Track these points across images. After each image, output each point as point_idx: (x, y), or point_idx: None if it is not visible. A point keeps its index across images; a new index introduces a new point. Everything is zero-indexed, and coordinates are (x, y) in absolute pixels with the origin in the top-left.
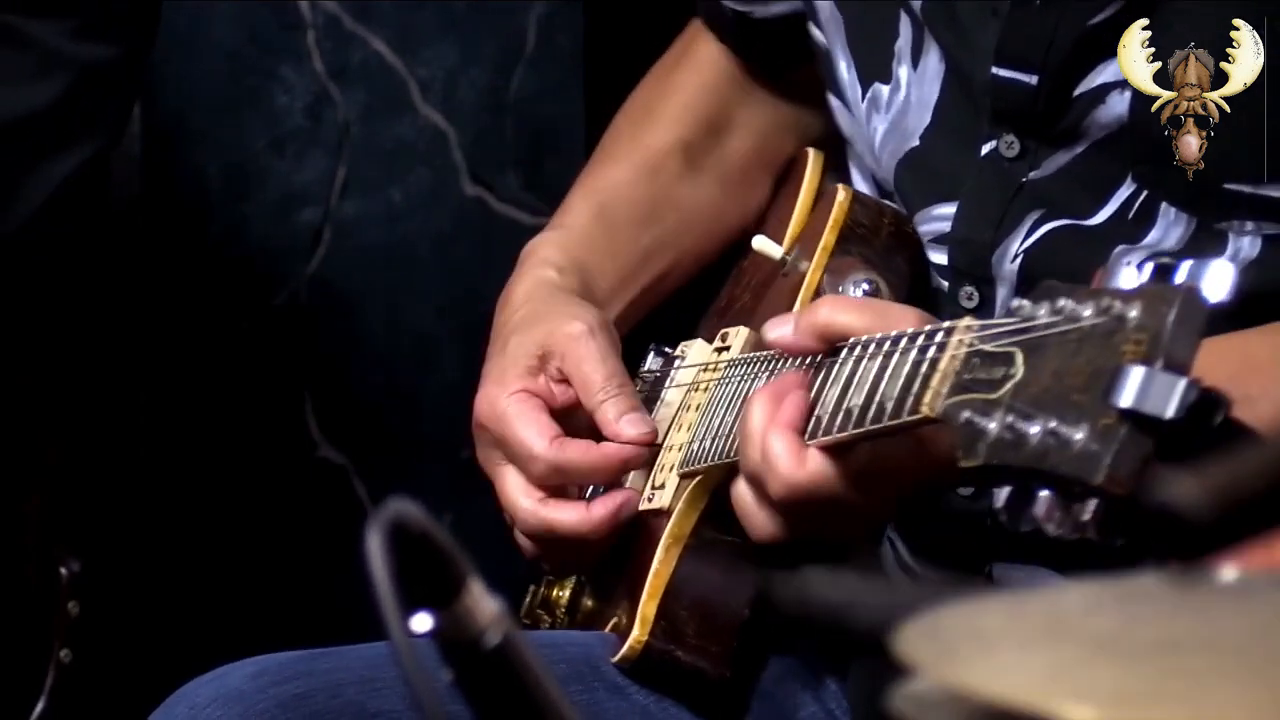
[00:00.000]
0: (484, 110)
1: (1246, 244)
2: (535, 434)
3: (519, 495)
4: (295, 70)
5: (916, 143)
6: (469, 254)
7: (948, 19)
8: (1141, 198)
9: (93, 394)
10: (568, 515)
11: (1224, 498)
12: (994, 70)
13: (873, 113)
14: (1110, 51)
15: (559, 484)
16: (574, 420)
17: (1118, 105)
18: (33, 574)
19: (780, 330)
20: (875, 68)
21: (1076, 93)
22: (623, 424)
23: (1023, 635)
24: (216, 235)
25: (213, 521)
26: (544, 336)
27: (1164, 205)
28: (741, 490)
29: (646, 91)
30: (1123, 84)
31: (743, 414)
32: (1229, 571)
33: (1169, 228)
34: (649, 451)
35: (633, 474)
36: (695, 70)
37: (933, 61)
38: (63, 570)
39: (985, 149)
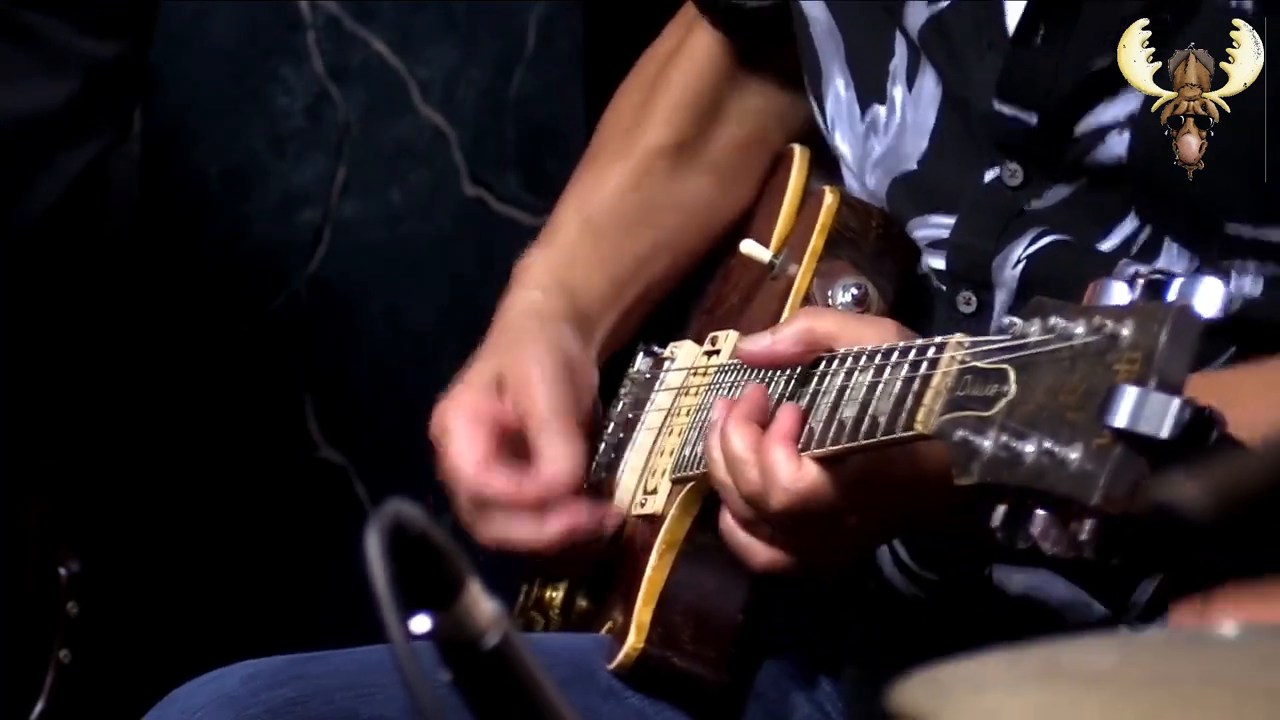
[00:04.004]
0: (484, 110)
1: (1249, 283)
2: (467, 455)
3: (463, 512)
4: (295, 70)
5: (914, 166)
6: (469, 254)
7: (946, 48)
8: (1145, 232)
9: (93, 395)
10: (521, 532)
11: (1225, 498)
12: (995, 105)
13: (871, 134)
14: (1111, 93)
15: (482, 508)
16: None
17: (1116, 146)
18: (32, 574)
19: (760, 342)
20: (871, 87)
21: (1077, 132)
22: (546, 461)
23: (1017, 679)
24: (216, 235)
25: (212, 522)
26: (502, 363)
27: (1168, 241)
28: (731, 525)
29: (638, 88)
30: (1121, 125)
31: (720, 444)
32: (1229, 626)
33: (1172, 263)
34: (574, 487)
35: (625, 479)
36: (688, 62)
37: (929, 85)
38: (62, 570)
39: (988, 176)
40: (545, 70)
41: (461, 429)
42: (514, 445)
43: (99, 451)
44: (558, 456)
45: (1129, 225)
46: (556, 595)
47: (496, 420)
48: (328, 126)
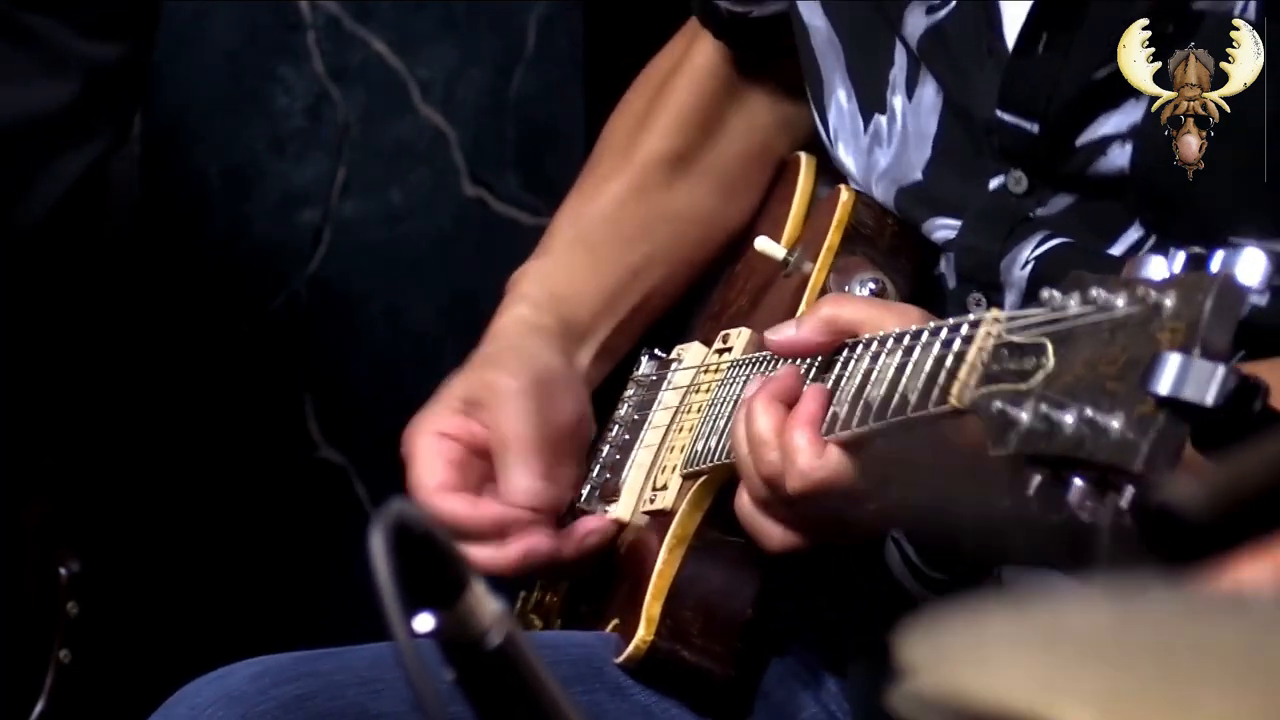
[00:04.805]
0: (484, 110)
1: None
2: (424, 479)
3: None
4: (295, 70)
5: (919, 176)
6: (469, 254)
7: (946, 58)
8: (1151, 241)
9: (93, 395)
10: (479, 555)
11: (1224, 498)
12: (998, 113)
13: (875, 146)
14: (1112, 103)
15: None
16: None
17: (1119, 158)
18: (32, 574)
19: (785, 331)
20: (872, 97)
21: (1078, 142)
22: (507, 483)
23: (1018, 639)
24: (216, 235)
25: (213, 522)
26: (475, 382)
27: (1173, 249)
28: (747, 504)
29: (641, 99)
30: (1124, 136)
31: (745, 420)
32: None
33: None
34: (534, 515)
35: (632, 477)
36: (689, 75)
37: (929, 94)
38: (62, 570)
39: (993, 184)
40: (545, 70)
41: (423, 452)
42: (488, 464)
43: (99, 451)
44: (518, 478)
45: (1134, 233)
46: (556, 600)
47: (463, 441)
48: (328, 126)
